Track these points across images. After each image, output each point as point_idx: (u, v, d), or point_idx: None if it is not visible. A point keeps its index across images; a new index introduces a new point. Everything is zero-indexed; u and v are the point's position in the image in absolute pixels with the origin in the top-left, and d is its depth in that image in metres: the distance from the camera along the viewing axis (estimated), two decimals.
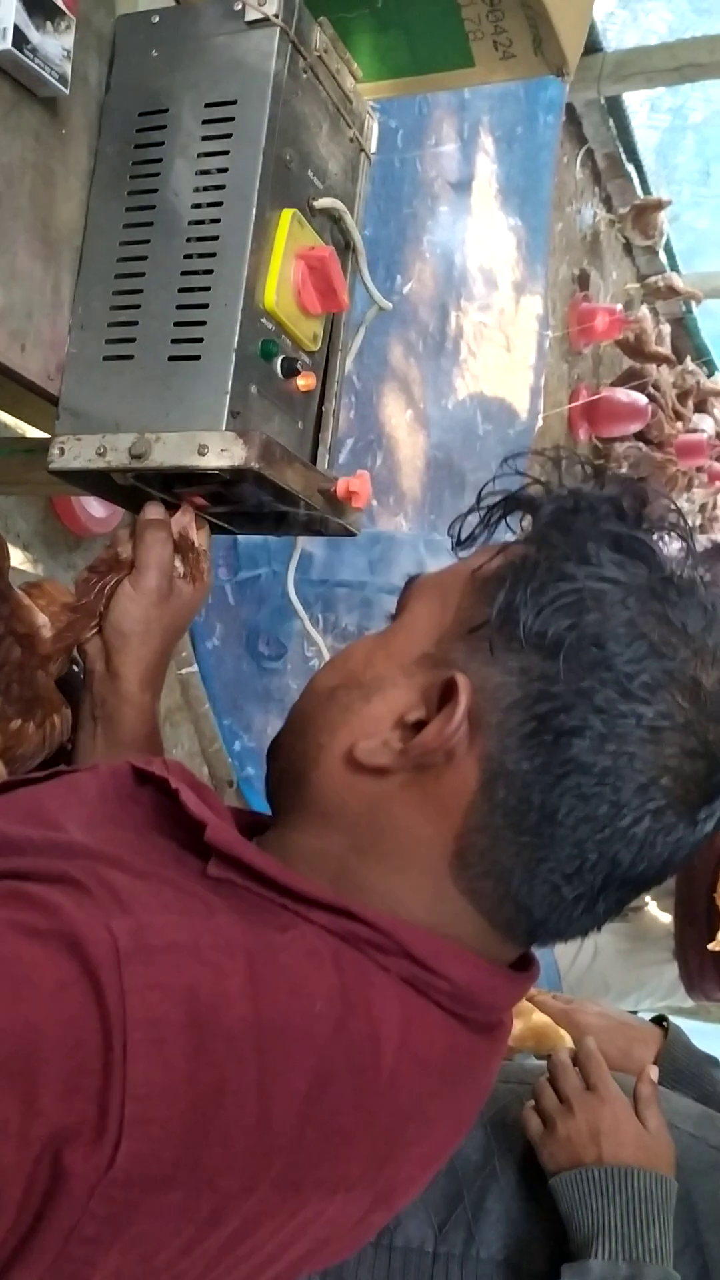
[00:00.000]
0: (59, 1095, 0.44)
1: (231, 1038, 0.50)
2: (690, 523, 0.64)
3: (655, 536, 0.60)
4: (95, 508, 2.08)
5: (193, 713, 2.50)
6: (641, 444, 4.52)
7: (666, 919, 2.46)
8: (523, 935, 0.63)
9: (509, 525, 0.65)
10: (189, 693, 2.49)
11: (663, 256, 5.11)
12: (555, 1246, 0.93)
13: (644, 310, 4.58)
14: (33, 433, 1.25)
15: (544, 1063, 1.08)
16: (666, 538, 0.61)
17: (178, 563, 0.95)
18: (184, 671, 2.49)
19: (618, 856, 0.59)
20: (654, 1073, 1.02)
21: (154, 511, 0.95)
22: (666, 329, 4.80)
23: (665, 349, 4.62)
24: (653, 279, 4.92)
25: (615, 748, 0.57)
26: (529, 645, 0.58)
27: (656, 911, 2.60)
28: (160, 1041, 0.47)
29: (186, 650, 2.48)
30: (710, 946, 2.10)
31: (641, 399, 4.37)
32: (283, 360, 0.94)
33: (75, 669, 1.37)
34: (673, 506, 0.63)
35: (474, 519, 0.65)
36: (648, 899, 2.64)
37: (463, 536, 0.66)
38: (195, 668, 2.50)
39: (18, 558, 2.01)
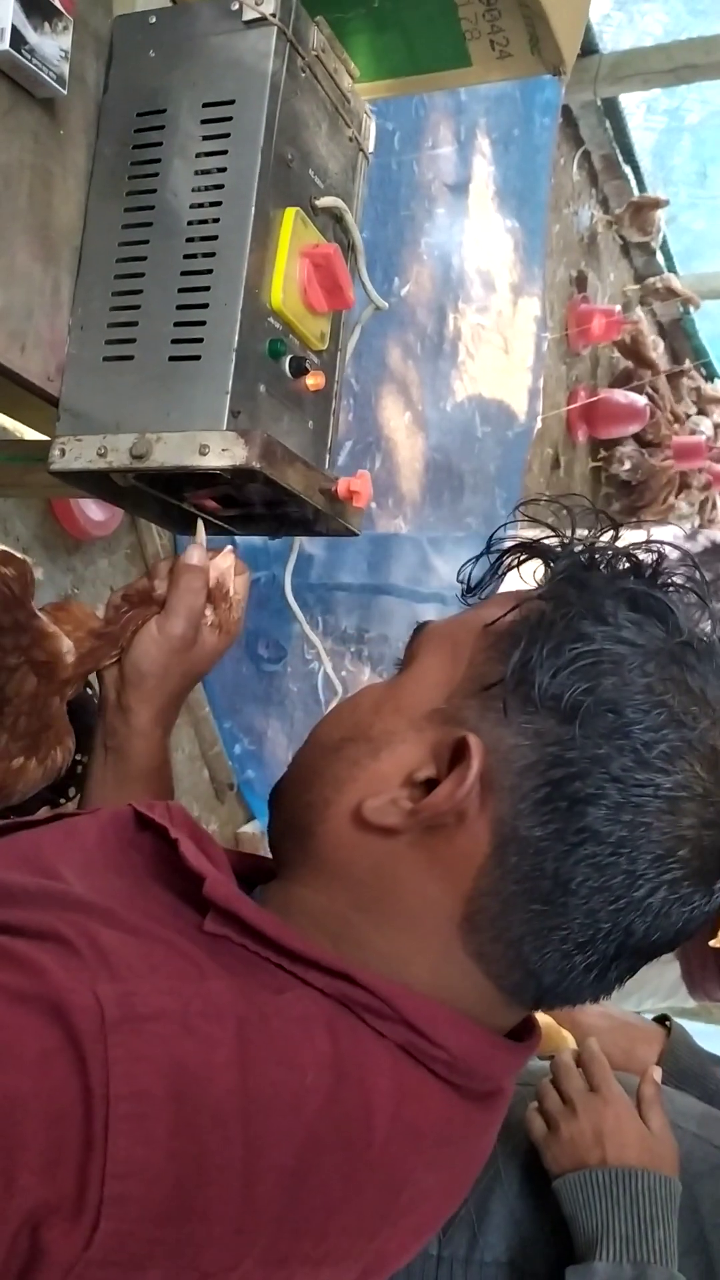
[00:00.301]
0: (39, 1170, 0.44)
1: (217, 1112, 0.49)
2: (707, 582, 0.62)
3: (672, 595, 0.59)
4: (94, 511, 2.08)
5: (193, 716, 2.50)
6: (639, 446, 4.52)
7: None
8: (530, 1000, 0.62)
9: (520, 574, 0.64)
10: (190, 694, 2.49)
11: (660, 258, 5.11)
12: (559, 1249, 0.92)
13: (639, 312, 4.58)
14: (31, 435, 1.25)
15: (547, 1064, 1.07)
16: (684, 597, 0.60)
17: (208, 611, 0.93)
18: None
19: (632, 926, 0.57)
20: (657, 1073, 1.02)
21: (195, 556, 0.93)
22: (660, 343, 4.81)
23: (656, 355, 4.62)
24: (651, 280, 4.93)
25: (631, 817, 0.55)
26: (544, 708, 0.57)
27: None
28: (143, 1117, 0.46)
29: None
30: (712, 944, 2.10)
31: (640, 400, 4.37)
32: (291, 359, 0.94)
33: (90, 692, 1.37)
34: (691, 563, 0.62)
35: (483, 565, 0.64)
36: None
37: (471, 583, 0.65)
38: None
39: None
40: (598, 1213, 0.91)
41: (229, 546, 0.95)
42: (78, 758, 1.01)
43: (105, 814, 0.69)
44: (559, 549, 0.62)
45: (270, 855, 0.71)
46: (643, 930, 0.57)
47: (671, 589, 0.60)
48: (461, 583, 0.66)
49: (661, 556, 0.61)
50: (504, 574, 0.64)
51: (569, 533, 0.63)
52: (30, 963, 0.49)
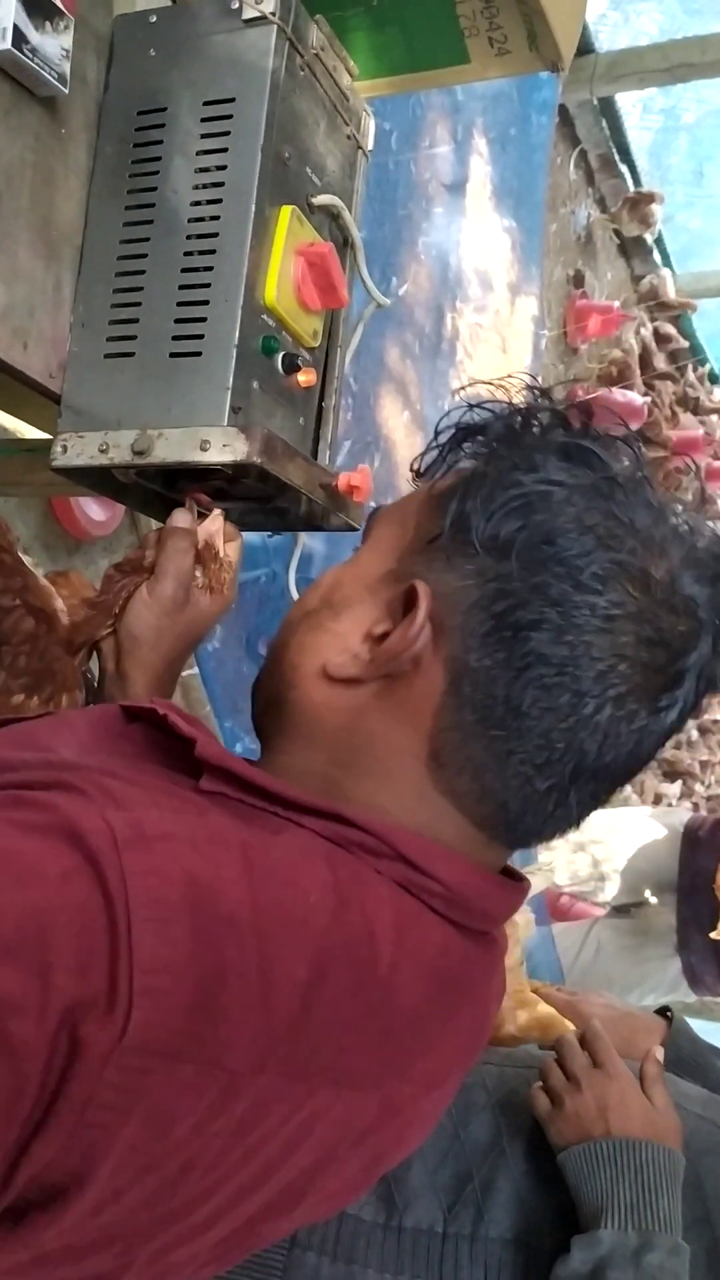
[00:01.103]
0: (72, 971, 0.46)
1: (231, 921, 0.51)
2: (634, 433, 0.66)
3: (600, 446, 0.63)
4: (94, 511, 2.09)
5: (194, 715, 2.50)
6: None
7: (669, 915, 2.47)
8: (504, 833, 0.65)
9: (467, 455, 0.67)
10: (190, 695, 2.49)
11: (656, 256, 5.12)
12: (565, 1225, 0.93)
13: (632, 341, 4.59)
14: (32, 433, 1.26)
15: (548, 1053, 1.09)
16: (613, 446, 0.64)
17: (198, 572, 0.94)
18: (185, 674, 2.49)
19: (584, 745, 0.61)
20: (659, 1053, 1.04)
21: (180, 519, 0.94)
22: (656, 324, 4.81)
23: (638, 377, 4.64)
24: (646, 279, 4.93)
25: (572, 638, 0.59)
26: (482, 549, 0.61)
27: (659, 907, 2.60)
28: (163, 920, 0.48)
29: None
30: (712, 935, 2.11)
31: (638, 398, 4.38)
32: (284, 356, 0.94)
33: (89, 676, 1.38)
34: (618, 420, 0.66)
35: (432, 455, 0.68)
36: (650, 896, 2.65)
37: (422, 470, 0.69)
38: (196, 670, 2.50)
39: None
40: (602, 1183, 0.92)
41: (218, 510, 0.95)
42: None
43: (94, 709, 0.72)
44: (495, 420, 0.66)
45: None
46: (595, 749, 0.61)
47: (599, 439, 0.64)
48: (413, 471, 0.69)
49: (590, 413, 0.64)
50: (451, 456, 0.67)
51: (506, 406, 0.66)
52: (42, 801, 0.51)
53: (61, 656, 0.94)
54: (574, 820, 0.65)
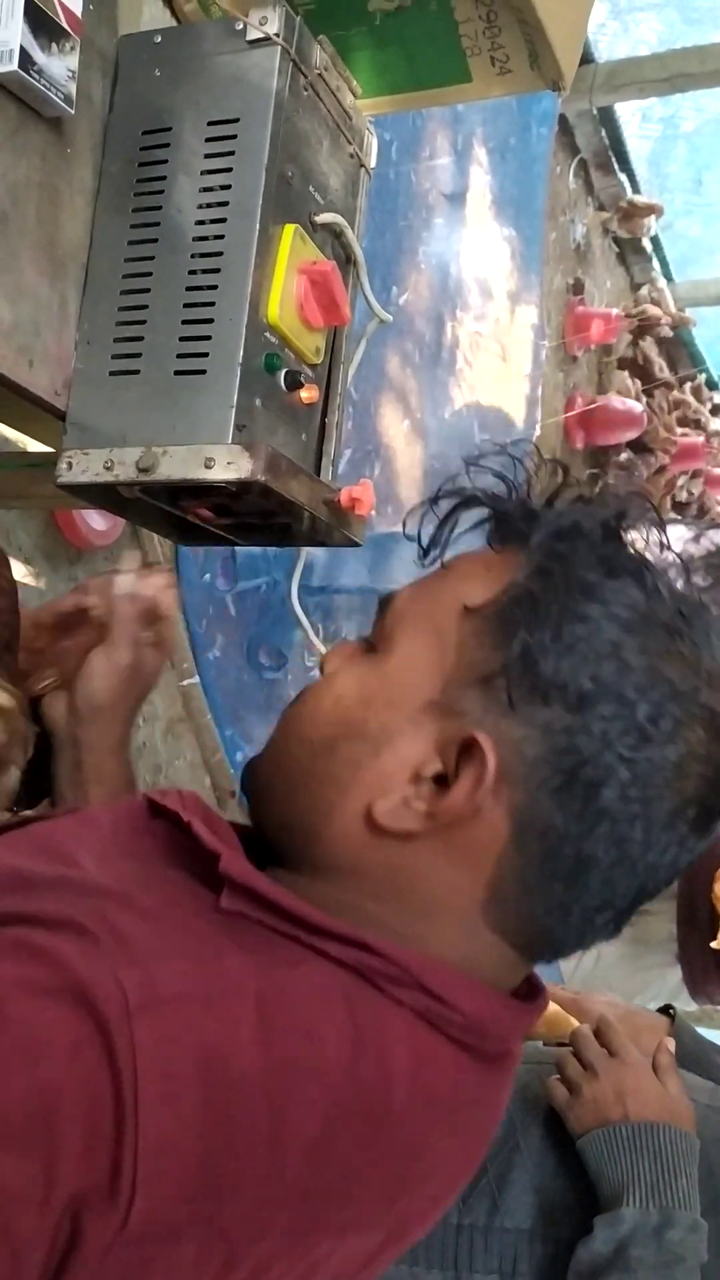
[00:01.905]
0: (77, 1158, 0.45)
1: (242, 1087, 0.50)
2: (660, 514, 0.63)
3: (646, 551, 0.60)
4: (96, 521, 2.10)
5: (195, 724, 2.51)
6: (633, 454, 4.53)
7: (669, 923, 2.47)
8: (546, 956, 0.64)
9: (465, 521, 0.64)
10: (191, 704, 2.50)
11: (655, 264, 5.13)
12: (580, 1215, 0.95)
13: (650, 296, 4.60)
14: (36, 446, 1.27)
15: (556, 1049, 1.11)
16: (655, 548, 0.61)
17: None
18: (185, 683, 2.50)
19: (645, 886, 0.60)
20: (671, 1044, 1.06)
21: (128, 584, 0.95)
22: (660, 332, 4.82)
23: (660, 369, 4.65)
24: (644, 289, 4.93)
25: (641, 792, 0.57)
26: (550, 697, 0.57)
27: (659, 916, 2.60)
28: (172, 1096, 0.47)
29: (188, 661, 2.49)
30: (713, 945, 2.11)
31: (637, 407, 4.39)
32: (286, 374, 0.95)
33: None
34: (651, 508, 0.62)
35: (423, 512, 0.64)
36: (648, 905, 2.65)
37: (425, 544, 0.65)
38: (197, 679, 2.51)
39: (19, 571, 2.02)
40: (623, 1165, 0.94)
41: (158, 564, 0.97)
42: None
43: (120, 804, 0.70)
44: (510, 503, 0.63)
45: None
46: (653, 885, 0.60)
47: (641, 543, 0.60)
48: (411, 539, 0.65)
49: (621, 511, 0.61)
50: (453, 527, 0.64)
51: (518, 483, 0.63)
52: (52, 954, 0.50)
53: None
54: (618, 933, 0.64)
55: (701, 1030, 1.32)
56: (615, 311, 4.43)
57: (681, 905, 2.42)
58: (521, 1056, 0.69)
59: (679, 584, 0.60)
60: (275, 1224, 0.52)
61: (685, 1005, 2.52)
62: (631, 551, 0.60)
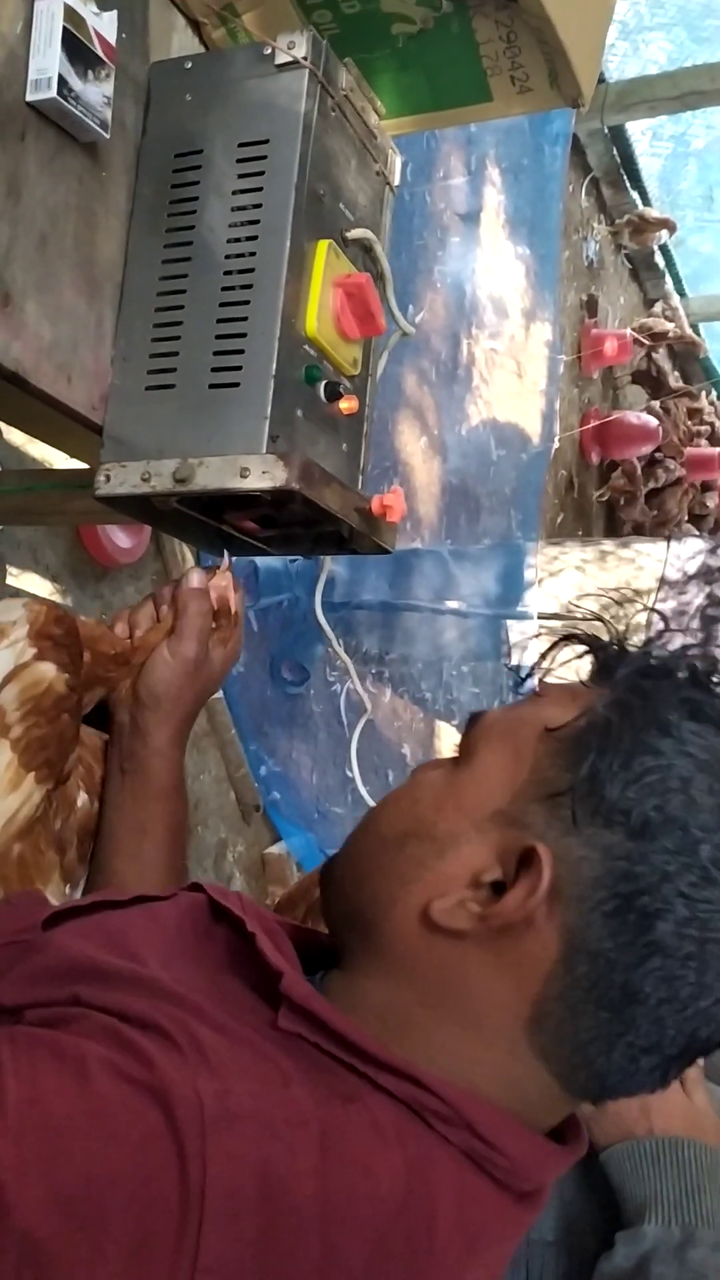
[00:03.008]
0: (127, 1249, 0.46)
1: (300, 1216, 0.51)
2: None
3: None
4: (120, 538, 2.12)
5: (219, 738, 2.53)
6: (637, 466, 4.54)
7: None
8: (592, 1095, 0.64)
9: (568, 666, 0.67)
10: (215, 719, 2.52)
11: (668, 281, 5.16)
12: (607, 1227, 0.94)
13: (664, 312, 4.62)
14: (64, 463, 1.29)
15: None
16: None
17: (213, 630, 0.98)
18: (210, 698, 2.52)
19: (698, 1033, 0.60)
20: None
21: (196, 578, 0.98)
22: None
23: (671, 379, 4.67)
24: (658, 304, 4.96)
25: (699, 933, 0.57)
26: (612, 821, 0.58)
27: None
28: (235, 1216, 0.48)
29: None
30: None
31: (652, 421, 4.41)
32: (326, 385, 0.98)
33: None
34: None
35: (535, 652, 0.68)
36: None
37: (521, 674, 0.67)
38: (221, 694, 2.53)
39: (46, 589, 2.05)
40: (646, 1180, 0.93)
41: (225, 564, 0.99)
42: None
43: (184, 900, 0.71)
44: (609, 644, 0.65)
45: (327, 931, 0.72)
46: (707, 1035, 0.60)
47: None
48: (511, 670, 0.68)
49: (715, 661, 0.63)
50: (552, 662, 0.66)
51: (620, 628, 0.66)
52: (140, 1050, 0.51)
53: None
54: (666, 1084, 0.64)
55: None
56: (628, 331, 4.46)
57: None
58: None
59: None
60: None
61: None
62: (714, 699, 0.61)
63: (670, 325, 4.52)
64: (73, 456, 1.20)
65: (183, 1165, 0.47)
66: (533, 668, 0.67)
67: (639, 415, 4.39)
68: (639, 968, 0.58)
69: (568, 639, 0.66)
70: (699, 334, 5.32)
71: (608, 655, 0.65)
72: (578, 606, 0.68)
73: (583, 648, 0.66)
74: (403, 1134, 0.57)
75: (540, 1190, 0.66)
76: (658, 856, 0.57)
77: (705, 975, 0.58)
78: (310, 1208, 0.51)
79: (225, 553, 1.03)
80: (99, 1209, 0.45)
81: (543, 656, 0.67)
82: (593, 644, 0.66)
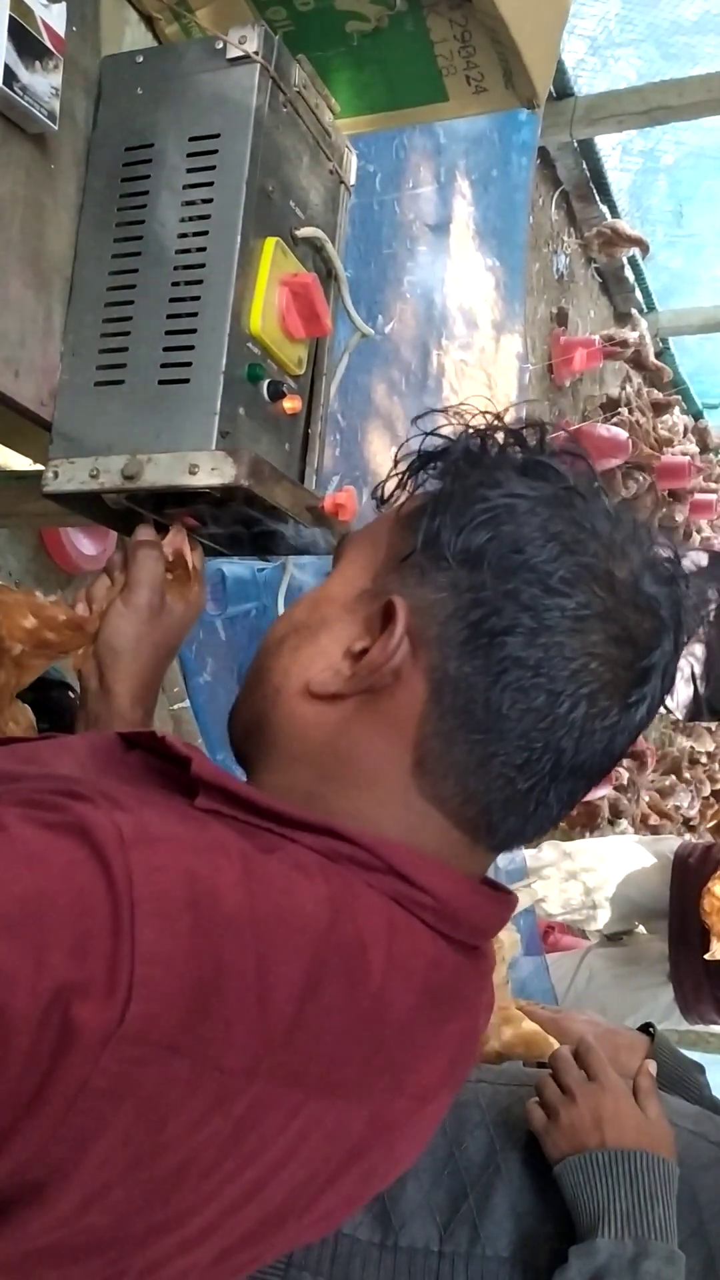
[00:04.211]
0: (68, 952, 0.47)
1: (230, 921, 0.52)
2: (586, 452, 0.71)
3: (556, 461, 0.67)
4: (85, 544, 2.10)
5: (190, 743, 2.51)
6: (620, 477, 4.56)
7: (661, 943, 2.47)
8: (486, 836, 0.66)
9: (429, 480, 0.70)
10: (182, 728, 2.50)
11: (638, 295, 5.20)
12: (562, 1241, 0.94)
13: (637, 333, 4.64)
14: (21, 464, 1.28)
15: (539, 1070, 1.09)
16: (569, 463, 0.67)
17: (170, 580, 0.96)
18: (176, 707, 2.50)
19: (561, 744, 0.63)
20: (652, 1066, 1.05)
21: (145, 533, 0.98)
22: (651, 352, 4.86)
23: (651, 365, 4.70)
24: (628, 328, 4.97)
25: (545, 640, 0.62)
26: (455, 562, 0.63)
27: (650, 936, 2.60)
28: (166, 915, 0.50)
29: (179, 686, 2.49)
30: (706, 957, 2.11)
31: (621, 433, 4.43)
32: (269, 384, 0.97)
33: (71, 694, 1.38)
34: (569, 436, 0.68)
35: (393, 482, 0.70)
36: (639, 927, 2.65)
37: (384, 498, 0.71)
38: (188, 703, 2.51)
39: None
40: (598, 1193, 0.93)
41: (178, 523, 0.98)
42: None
43: (93, 734, 0.74)
44: (454, 444, 0.69)
45: None
46: (572, 747, 0.63)
47: (555, 454, 0.68)
48: (375, 499, 0.72)
49: (545, 432, 0.68)
50: (412, 482, 0.70)
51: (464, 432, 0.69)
52: (55, 802, 0.53)
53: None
54: (554, 820, 0.67)
55: (698, 1055, 1.32)
56: (596, 339, 4.48)
57: (673, 923, 2.42)
58: (495, 959, 0.72)
59: (582, 480, 0.66)
60: (265, 1062, 0.54)
61: (677, 1025, 2.52)
62: (540, 457, 0.66)
63: (634, 335, 4.54)
64: (23, 455, 1.18)
65: (109, 878, 0.49)
66: (395, 489, 0.71)
67: (608, 428, 4.41)
68: (497, 683, 0.62)
69: (421, 458, 0.69)
70: (669, 348, 5.37)
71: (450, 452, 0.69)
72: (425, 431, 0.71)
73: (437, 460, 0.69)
74: (325, 871, 0.59)
75: (482, 952, 0.70)
76: (498, 580, 0.62)
77: (556, 680, 0.62)
78: (239, 916, 0.53)
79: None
80: (37, 924, 0.47)
81: (402, 481, 0.70)
82: (439, 451, 0.69)
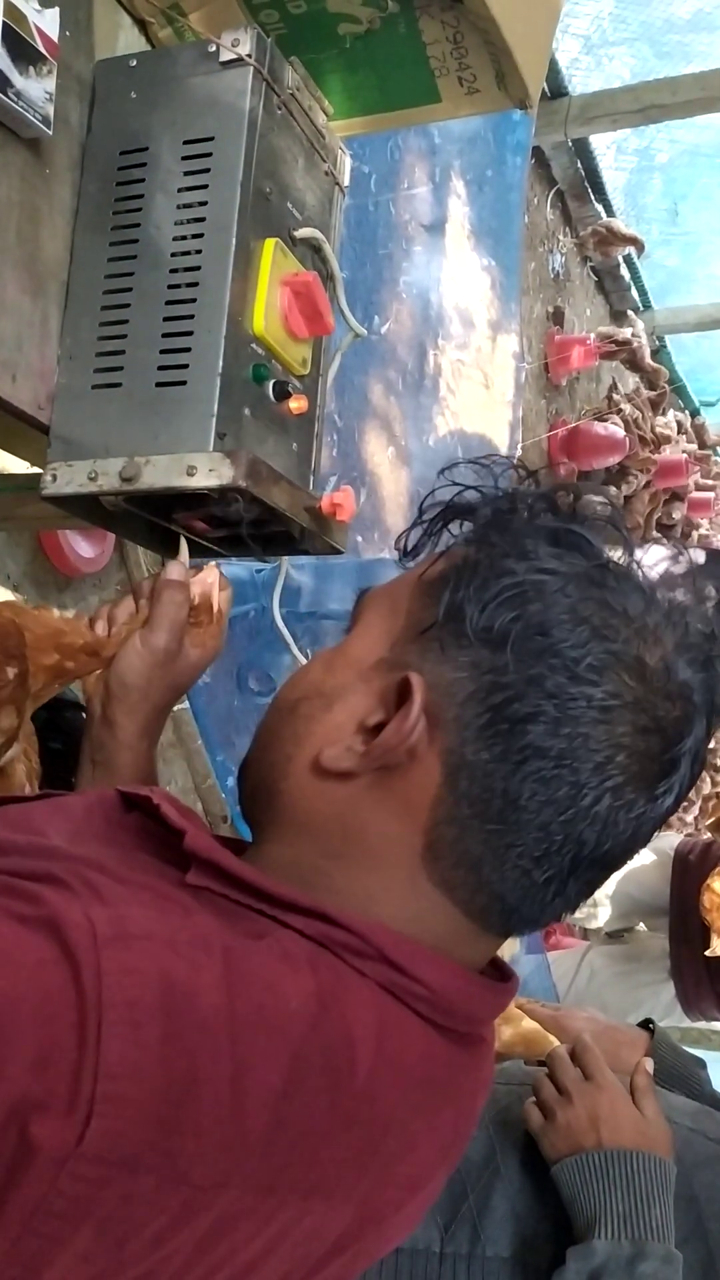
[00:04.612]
0: (29, 1065, 0.45)
1: (205, 1027, 0.50)
2: (623, 514, 0.67)
3: (590, 531, 0.63)
4: (84, 547, 2.11)
5: (185, 749, 2.51)
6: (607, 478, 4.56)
7: (662, 940, 2.47)
8: (498, 924, 0.64)
9: (451, 534, 0.67)
10: (181, 729, 2.50)
11: (634, 293, 5.20)
12: (562, 1241, 0.94)
13: (631, 332, 4.64)
14: (19, 467, 1.28)
15: (539, 1069, 1.10)
16: (604, 535, 0.64)
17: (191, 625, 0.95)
18: (176, 708, 2.50)
19: (583, 836, 0.60)
20: (649, 1064, 1.05)
21: (176, 571, 0.95)
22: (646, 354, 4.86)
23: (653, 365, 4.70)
24: (626, 329, 4.97)
25: (569, 730, 0.59)
26: (477, 640, 0.60)
27: (651, 933, 2.61)
28: (135, 1024, 0.48)
29: None
30: (707, 953, 2.11)
31: (618, 431, 4.43)
32: (274, 384, 0.97)
33: (84, 715, 1.38)
34: (606, 500, 0.66)
35: (417, 532, 0.67)
36: (640, 925, 2.66)
37: (408, 549, 0.68)
38: (187, 704, 2.52)
39: (7, 598, 2.03)
40: (595, 1193, 0.93)
41: (213, 563, 0.97)
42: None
43: (92, 794, 0.72)
44: (482, 502, 0.66)
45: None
46: (594, 840, 0.61)
47: (589, 523, 0.64)
48: (398, 550, 0.69)
49: (578, 496, 0.65)
50: (437, 535, 0.67)
51: (493, 488, 0.67)
52: (30, 892, 0.51)
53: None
54: (572, 908, 0.65)
55: (700, 1052, 1.32)
56: (591, 336, 4.49)
57: (673, 920, 2.43)
58: (495, 1043, 0.70)
59: (616, 555, 0.63)
60: (238, 1173, 0.51)
61: (679, 1022, 2.52)
62: (572, 526, 0.63)
63: (629, 331, 4.54)
64: (22, 459, 1.19)
65: (78, 982, 0.47)
66: (417, 544, 0.68)
67: (605, 426, 4.41)
68: (516, 773, 0.59)
69: (447, 510, 0.67)
70: (665, 346, 5.37)
71: (481, 516, 0.66)
72: (451, 480, 0.68)
73: (463, 516, 0.67)
74: (314, 962, 0.57)
75: (480, 1039, 0.67)
76: (522, 663, 0.59)
77: (580, 773, 0.59)
78: (216, 1020, 0.50)
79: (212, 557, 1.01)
80: None
81: (426, 534, 0.67)
82: (468, 509, 0.67)
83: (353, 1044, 0.56)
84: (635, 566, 0.63)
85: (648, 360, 4.67)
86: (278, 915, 0.59)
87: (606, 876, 0.64)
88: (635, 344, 4.51)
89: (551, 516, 0.64)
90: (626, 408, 4.52)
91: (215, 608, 0.97)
